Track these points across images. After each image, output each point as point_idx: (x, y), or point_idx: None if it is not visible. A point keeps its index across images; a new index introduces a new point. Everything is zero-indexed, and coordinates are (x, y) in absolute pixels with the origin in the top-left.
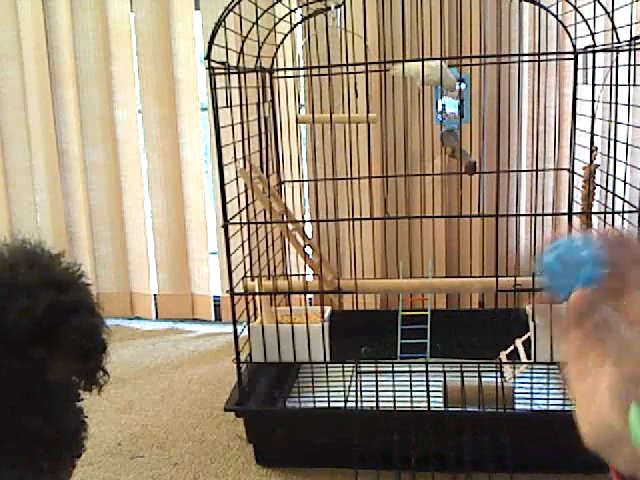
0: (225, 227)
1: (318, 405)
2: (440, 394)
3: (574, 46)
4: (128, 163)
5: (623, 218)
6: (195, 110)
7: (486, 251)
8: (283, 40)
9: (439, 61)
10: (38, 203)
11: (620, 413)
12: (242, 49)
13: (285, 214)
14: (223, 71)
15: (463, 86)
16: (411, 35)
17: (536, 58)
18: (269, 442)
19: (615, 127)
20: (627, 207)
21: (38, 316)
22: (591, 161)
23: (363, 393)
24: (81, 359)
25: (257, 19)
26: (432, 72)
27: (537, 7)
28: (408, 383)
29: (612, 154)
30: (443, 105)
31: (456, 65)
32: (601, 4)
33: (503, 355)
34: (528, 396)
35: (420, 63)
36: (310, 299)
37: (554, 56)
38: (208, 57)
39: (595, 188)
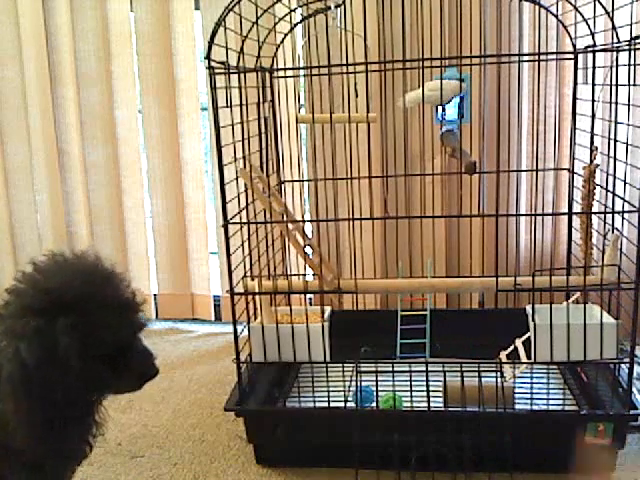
0: (225, 227)
1: (318, 405)
2: (440, 394)
3: (574, 46)
4: (128, 163)
5: (623, 218)
6: (195, 110)
7: (486, 251)
8: (283, 40)
9: (437, 81)
10: (38, 203)
11: None
12: (242, 49)
13: (285, 214)
14: (223, 71)
15: (463, 87)
16: (411, 35)
17: (536, 58)
18: (269, 442)
19: (615, 127)
20: (627, 207)
21: (121, 336)
22: (591, 161)
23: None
24: (141, 382)
25: (257, 19)
26: (432, 93)
27: (537, 7)
28: (408, 383)
29: (612, 154)
30: (443, 105)
31: (456, 65)
32: (601, 4)
33: (503, 355)
34: (528, 396)
35: (419, 90)
36: (310, 299)
37: (554, 56)
38: (208, 57)
39: (595, 188)
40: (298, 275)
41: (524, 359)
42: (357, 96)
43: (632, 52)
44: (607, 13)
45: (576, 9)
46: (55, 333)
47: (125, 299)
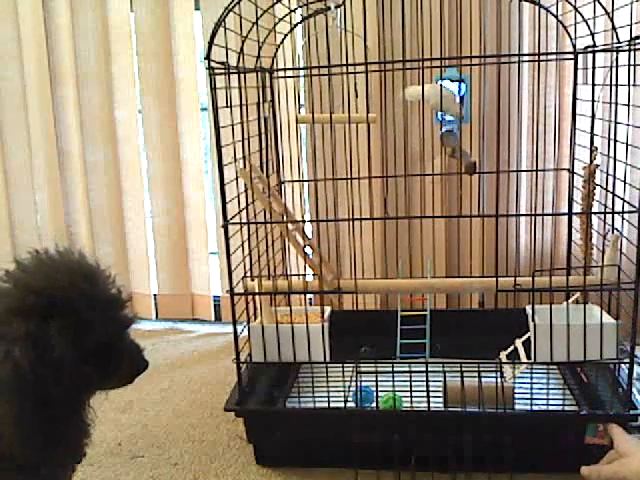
0: (225, 227)
1: (318, 405)
2: (440, 394)
3: (574, 46)
4: (128, 163)
5: (623, 218)
6: (195, 110)
7: (486, 251)
8: (283, 40)
9: (439, 87)
10: (38, 203)
11: None
12: (242, 49)
13: (285, 214)
14: (223, 71)
15: (463, 87)
16: (411, 35)
17: (536, 58)
18: (269, 442)
19: (615, 127)
20: (627, 207)
21: (111, 333)
22: (591, 161)
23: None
24: (132, 377)
25: (257, 19)
26: (432, 95)
27: (537, 7)
28: (408, 383)
29: (612, 154)
30: None
31: (456, 65)
32: (601, 4)
33: (503, 355)
34: (528, 396)
35: (420, 87)
36: (310, 299)
37: (554, 56)
38: (208, 57)
39: (595, 188)
40: (298, 275)
41: (524, 359)
42: (357, 96)
43: (632, 52)
44: (607, 13)
45: (576, 9)
46: (48, 335)
47: (112, 295)
